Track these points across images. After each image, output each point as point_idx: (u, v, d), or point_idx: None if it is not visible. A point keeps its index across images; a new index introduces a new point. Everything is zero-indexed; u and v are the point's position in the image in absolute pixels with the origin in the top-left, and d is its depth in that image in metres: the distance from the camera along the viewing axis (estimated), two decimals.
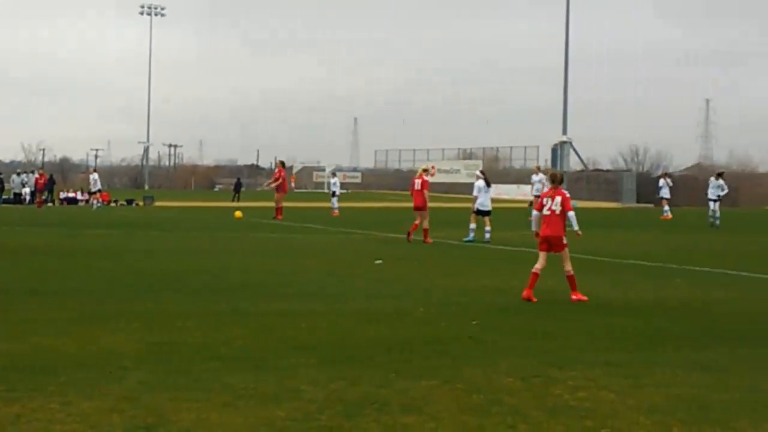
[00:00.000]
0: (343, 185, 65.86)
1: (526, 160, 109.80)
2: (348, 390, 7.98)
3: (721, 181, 37.17)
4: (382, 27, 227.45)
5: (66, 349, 9.69)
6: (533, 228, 14.96)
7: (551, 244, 14.39)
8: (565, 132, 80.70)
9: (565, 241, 14.41)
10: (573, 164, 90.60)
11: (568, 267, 14.35)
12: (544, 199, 14.62)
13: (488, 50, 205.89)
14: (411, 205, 27.94)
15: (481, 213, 27.24)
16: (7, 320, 11.52)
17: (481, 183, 27.62)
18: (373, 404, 7.47)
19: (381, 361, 9.33)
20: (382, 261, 20.24)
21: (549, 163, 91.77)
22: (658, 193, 45.53)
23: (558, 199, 14.43)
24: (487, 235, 26.88)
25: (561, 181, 14.91)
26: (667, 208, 44.21)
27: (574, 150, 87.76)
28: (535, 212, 14.88)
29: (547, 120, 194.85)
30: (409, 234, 26.56)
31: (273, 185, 40.72)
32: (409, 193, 28.31)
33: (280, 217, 38.73)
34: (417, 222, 26.79)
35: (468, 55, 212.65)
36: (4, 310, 12.31)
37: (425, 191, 27.07)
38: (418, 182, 27.49)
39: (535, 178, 42.35)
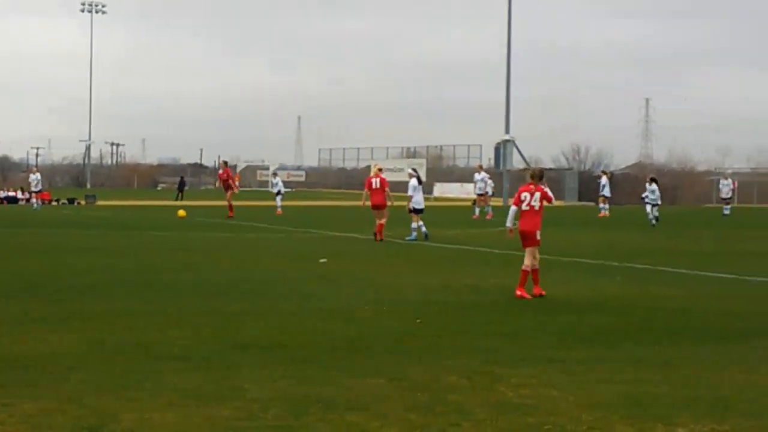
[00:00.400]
0: (287, 184, 65.90)
1: (470, 158, 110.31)
2: (293, 388, 7.98)
3: (654, 186, 37.13)
4: (325, 24, 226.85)
5: (7, 350, 9.58)
6: (508, 224, 14.97)
7: (526, 238, 14.48)
8: (507, 131, 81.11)
9: (538, 237, 14.50)
10: (516, 162, 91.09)
11: (531, 263, 14.36)
12: (523, 194, 14.64)
13: (429, 46, 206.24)
14: (356, 203, 27.94)
15: (415, 211, 27.23)
16: None
17: (414, 182, 27.66)
18: (319, 403, 7.47)
19: (326, 360, 9.34)
20: (326, 260, 20.23)
21: (492, 161, 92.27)
22: (601, 191, 45.89)
23: (537, 194, 14.52)
24: (424, 228, 26.94)
25: (541, 177, 14.91)
26: (604, 206, 44.62)
27: (517, 148, 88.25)
28: (513, 207, 14.81)
29: (489, 118, 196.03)
30: (376, 234, 26.49)
31: (236, 185, 40.72)
32: (355, 191, 28.29)
33: (231, 214, 38.60)
34: (380, 221, 26.63)
35: (409, 52, 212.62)
36: None
37: (387, 189, 27.15)
38: (376, 181, 27.50)
39: (477, 176, 42.52)
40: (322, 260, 20.14)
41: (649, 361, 9.48)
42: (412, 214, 27.31)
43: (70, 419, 6.88)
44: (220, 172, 41.01)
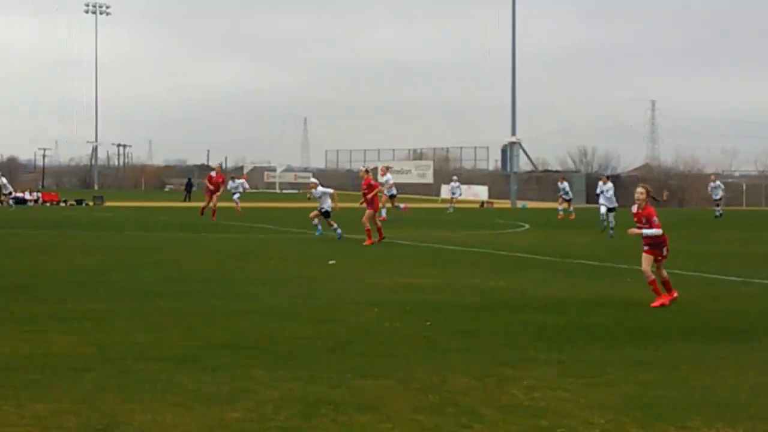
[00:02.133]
0: (293, 185, 65.62)
1: (477, 160, 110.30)
2: (303, 390, 7.97)
3: (610, 185, 35.33)
4: (332, 24, 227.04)
5: (13, 350, 9.60)
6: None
7: (654, 249, 14.06)
8: (514, 133, 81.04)
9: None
10: (522, 165, 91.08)
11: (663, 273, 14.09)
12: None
13: (435, 49, 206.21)
14: (361, 205, 28.04)
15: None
16: None
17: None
18: (329, 404, 7.47)
19: (336, 361, 9.33)
20: (334, 261, 20.22)
21: (499, 163, 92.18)
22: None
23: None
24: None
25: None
26: (568, 208, 44.88)
27: (524, 151, 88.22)
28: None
29: (497, 120, 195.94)
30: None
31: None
32: (362, 193, 28.22)
33: (213, 218, 38.92)
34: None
35: (417, 54, 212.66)
36: None
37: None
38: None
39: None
40: (330, 262, 20.13)
41: (656, 363, 9.46)
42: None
43: (82, 420, 6.88)
44: (213, 174, 41.02)
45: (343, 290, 15.30)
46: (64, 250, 22.98)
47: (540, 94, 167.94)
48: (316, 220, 28.57)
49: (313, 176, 31.42)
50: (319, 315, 12.54)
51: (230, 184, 44.68)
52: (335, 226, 27.61)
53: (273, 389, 7.97)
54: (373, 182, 28.06)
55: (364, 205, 27.32)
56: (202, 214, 40.45)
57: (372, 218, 26.77)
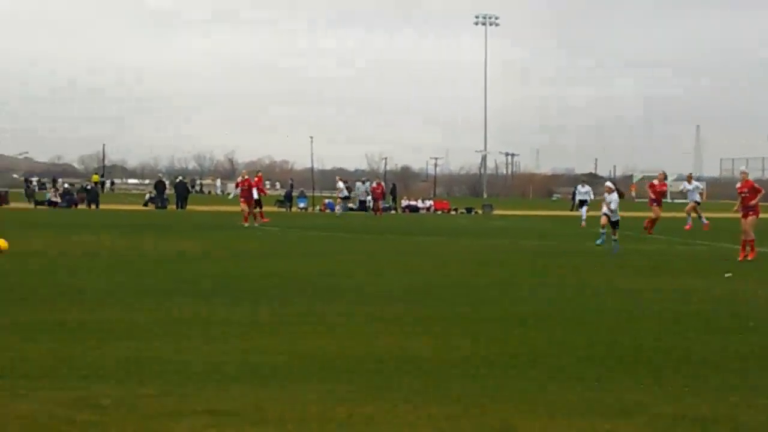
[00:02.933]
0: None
1: None
2: (699, 406, 7.59)
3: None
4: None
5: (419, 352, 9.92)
6: None
7: None
8: None
9: None
10: None
11: None
12: None
13: None
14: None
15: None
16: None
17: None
18: (729, 423, 7.06)
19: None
20: (731, 274, 19.31)
21: None
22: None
23: None
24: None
25: None
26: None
27: None
28: None
29: None
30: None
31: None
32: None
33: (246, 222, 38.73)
34: None
35: None
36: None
37: None
38: None
39: None
40: (727, 275, 19.23)
41: None
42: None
43: (475, 425, 6.94)
44: (240, 180, 40.72)
45: None
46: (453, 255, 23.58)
47: None
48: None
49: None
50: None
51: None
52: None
53: (665, 402, 7.66)
54: (756, 186, 25.41)
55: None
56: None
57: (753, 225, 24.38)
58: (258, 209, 39.54)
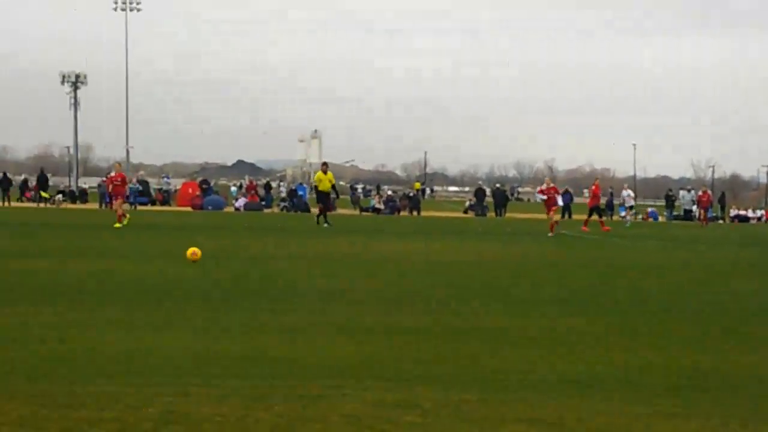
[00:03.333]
0: None
1: None
2: None
3: None
4: None
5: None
6: None
7: None
8: None
9: None
10: None
11: None
12: None
13: None
14: None
15: None
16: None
17: None
18: None
19: None
20: None
21: None
22: None
23: None
24: None
25: None
26: None
27: None
28: None
29: None
30: None
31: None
32: None
33: None
34: None
35: None
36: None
37: None
38: None
39: None
40: None
41: None
42: None
43: None
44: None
45: None
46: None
47: None
48: None
49: None
50: None
51: None
52: None
53: None
54: None
55: None
56: None
57: None
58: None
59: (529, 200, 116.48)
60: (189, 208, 62.03)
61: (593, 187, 44.48)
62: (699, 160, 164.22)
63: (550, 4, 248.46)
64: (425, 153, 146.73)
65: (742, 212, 70.24)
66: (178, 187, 76.00)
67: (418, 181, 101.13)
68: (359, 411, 7.02)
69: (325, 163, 39.24)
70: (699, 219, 59.35)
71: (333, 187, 38.63)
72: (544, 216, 39.32)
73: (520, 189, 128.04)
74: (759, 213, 70.62)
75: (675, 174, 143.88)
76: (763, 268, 22.80)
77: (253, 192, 69.59)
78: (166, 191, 74.17)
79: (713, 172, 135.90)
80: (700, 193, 61.15)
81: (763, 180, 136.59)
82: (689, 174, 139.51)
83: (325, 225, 36.72)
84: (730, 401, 7.90)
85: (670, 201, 65.34)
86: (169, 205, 67.72)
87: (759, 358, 10.07)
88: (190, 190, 68.62)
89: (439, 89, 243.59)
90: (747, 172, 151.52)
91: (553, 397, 7.82)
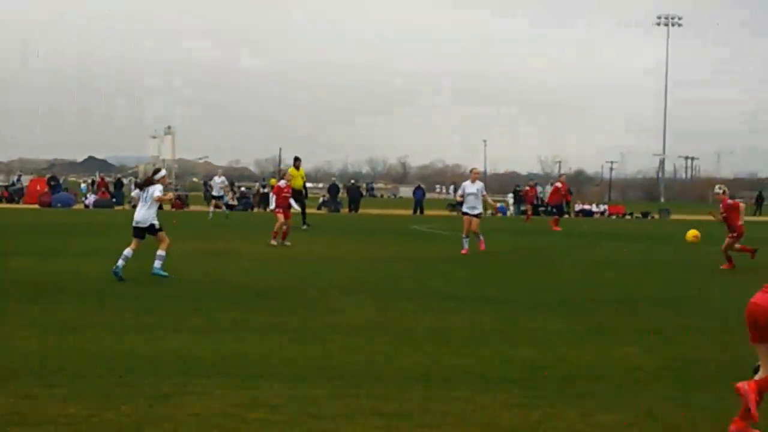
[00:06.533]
0: None
1: None
2: None
3: None
4: None
5: (582, 360, 9.76)
6: None
7: None
8: None
9: None
10: None
11: None
12: None
13: None
14: None
15: None
16: (543, 329, 11.86)
17: None
18: None
19: None
20: None
21: None
22: None
23: None
24: None
25: None
26: None
27: None
28: None
29: None
30: None
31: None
32: None
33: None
34: None
35: None
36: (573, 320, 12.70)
37: None
38: None
39: None
40: None
41: None
42: None
43: None
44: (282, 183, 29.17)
45: None
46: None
47: None
48: None
49: None
50: None
51: None
52: None
53: None
54: None
55: None
56: None
57: None
58: None
59: (382, 196, 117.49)
60: (37, 206, 60.39)
61: (559, 184, 42.59)
62: (546, 157, 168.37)
63: None
64: (280, 149, 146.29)
65: (587, 207, 72.39)
66: (26, 185, 73.76)
67: (273, 178, 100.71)
68: (207, 409, 7.07)
69: (297, 158, 35.25)
70: (524, 213, 56.33)
71: (304, 184, 35.55)
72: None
73: (374, 185, 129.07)
74: (602, 207, 72.89)
75: (523, 170, 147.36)
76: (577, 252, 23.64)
77: (103, 189, 68.27)
78: (14, 189, 71.94)
79: (560, 167, 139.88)
80: (526, 188, 59.33)
81: (606, 176, 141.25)
82: (536, 170, 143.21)
83: (304, 227, 34.00)
84: (572, 391, 8.23)
85: (518, 196, 66.71)
86: (17, 203, 65.76)
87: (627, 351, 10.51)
88: (38, 187, 66.79)
89: (297, 88, 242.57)
90: (592, 168, 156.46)
91: (403, 389, 8.01)
